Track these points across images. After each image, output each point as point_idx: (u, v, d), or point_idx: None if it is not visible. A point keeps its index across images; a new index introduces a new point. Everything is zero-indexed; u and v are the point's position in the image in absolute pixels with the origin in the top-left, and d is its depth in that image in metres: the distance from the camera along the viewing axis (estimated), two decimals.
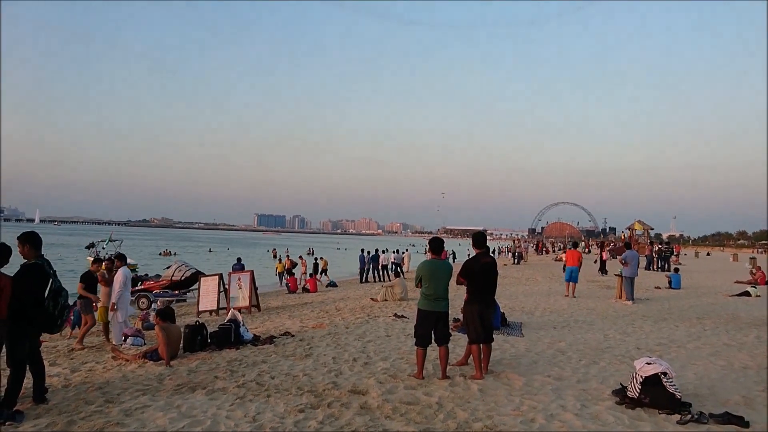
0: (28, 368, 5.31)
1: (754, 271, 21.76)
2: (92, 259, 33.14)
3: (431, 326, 6.17)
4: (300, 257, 29.30)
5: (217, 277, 15.48)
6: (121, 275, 9.53)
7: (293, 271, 25.31)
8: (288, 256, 32.99)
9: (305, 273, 24.90)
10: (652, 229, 63.43)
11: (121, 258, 10.22)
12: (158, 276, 21.45)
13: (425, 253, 55.09)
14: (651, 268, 29.21)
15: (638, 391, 5.20)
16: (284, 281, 24.71)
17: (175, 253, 53.85)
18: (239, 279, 15.48)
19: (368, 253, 27.23)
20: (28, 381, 5.37)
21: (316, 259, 28.26)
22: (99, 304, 9.84)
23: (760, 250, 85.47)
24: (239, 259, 23.69)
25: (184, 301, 19.12)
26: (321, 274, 25.57)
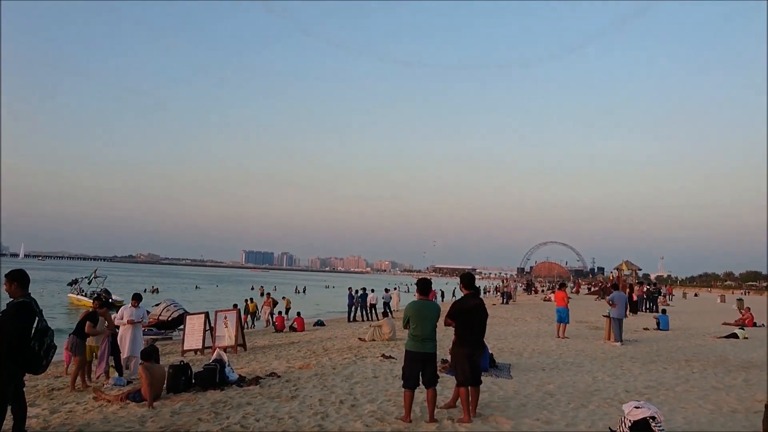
0: (9, 409, 5.17)
1: (741, 312, 21.88)
2: (84, 297, 32.71)
3: (419, 368, 6.12)
4: (269, 295, 29.32)
5: (203, 315, 15.29)
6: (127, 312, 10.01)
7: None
8: (269, 294, 32.73)
9: (282, 312, 24.85)
10: (640, 269, 63.83)
11: (137, 297, 10.44)
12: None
13: (407, 291, 55.17)
14: (640, 308, 29.19)
15: None
16: (253, 321, 24.60)
17: (157, 290, 53.04)
18: (225, 317, 15.28)
19: (356, 291, 27.11)
20: (7, 422, 5.23)
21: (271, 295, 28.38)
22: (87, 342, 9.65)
23: (747, 291, 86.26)
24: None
25: (170, 339, 18.81)
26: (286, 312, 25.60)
